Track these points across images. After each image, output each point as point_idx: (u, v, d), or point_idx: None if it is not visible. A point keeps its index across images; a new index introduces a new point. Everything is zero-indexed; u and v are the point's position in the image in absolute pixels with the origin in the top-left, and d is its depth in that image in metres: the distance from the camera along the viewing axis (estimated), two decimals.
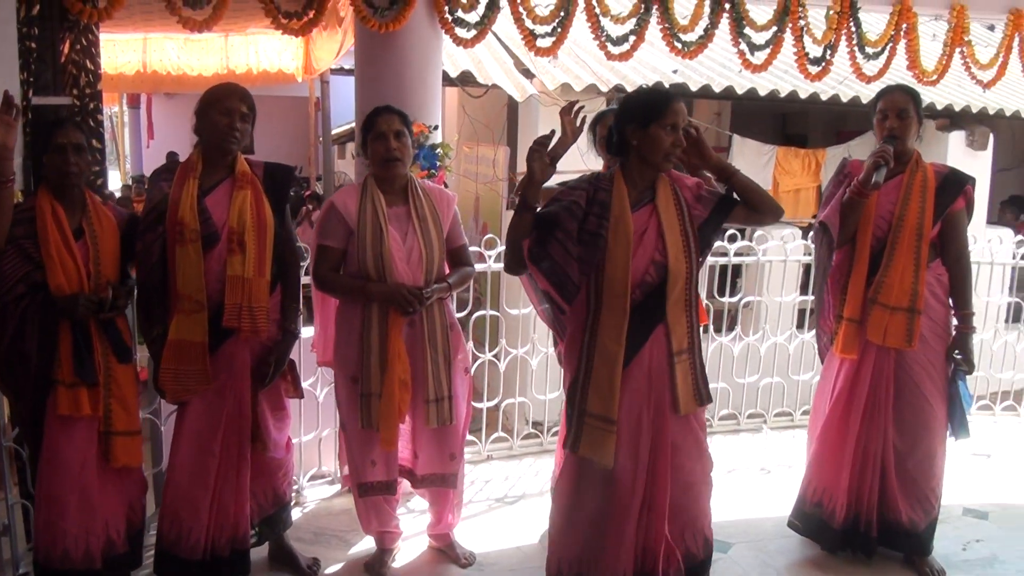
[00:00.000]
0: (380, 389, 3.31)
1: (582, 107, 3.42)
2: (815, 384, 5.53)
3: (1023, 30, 5.07)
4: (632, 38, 4.36)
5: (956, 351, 3.61)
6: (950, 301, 3.64)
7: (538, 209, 2.92)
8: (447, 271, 3.52)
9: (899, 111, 3.50)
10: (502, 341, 4.71)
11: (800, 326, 5.90)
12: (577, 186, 3.01)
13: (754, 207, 2.93)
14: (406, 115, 3.46)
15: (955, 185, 3.59)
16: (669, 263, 2.85)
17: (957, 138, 8.18)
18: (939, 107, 7.92)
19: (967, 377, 3.64)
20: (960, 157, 7.83)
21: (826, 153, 8.93)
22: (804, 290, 5.68)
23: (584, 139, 3.62)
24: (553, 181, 3.53)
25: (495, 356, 4.69)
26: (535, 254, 2.91)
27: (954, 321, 3.65)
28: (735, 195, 2.96)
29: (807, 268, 5.59)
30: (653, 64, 7.37)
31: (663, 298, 2.88)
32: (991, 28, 10.14)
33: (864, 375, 3.60)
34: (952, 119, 8.20)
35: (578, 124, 3.36)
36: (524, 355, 4.82)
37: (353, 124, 6.39)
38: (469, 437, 4.09)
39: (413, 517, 4.02)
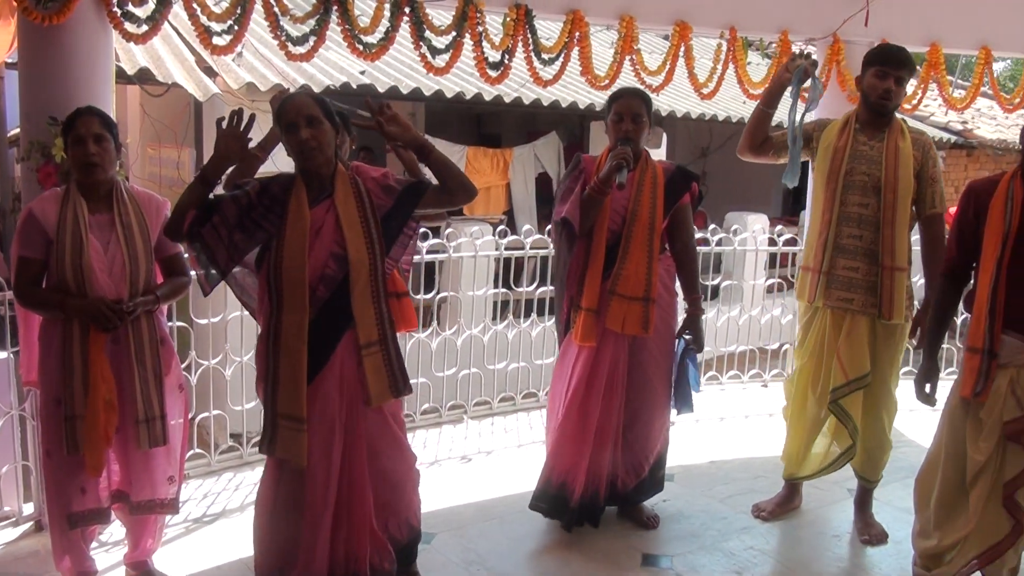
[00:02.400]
0: (84, 411, 3.07)
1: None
2: (511, 372, 5.84)
3: (688, 40, 5.51)
4: (313, 38, 4.30)
5: (687, 332, 3.92)
6: (676, 288, 3.95)
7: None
8: (160, 280, 3.33)
9: (634, 115, 3.74)
10: (192, 353, 4.51)
11: (495, 318, 6.13)
12: (256, 178, 2.99)
13: (447, 186, 2.93)
14: (108, 117, 3.26)
15: (682, 181, 3.90)
16: (349, 255, 2.85)
17: None
18: None
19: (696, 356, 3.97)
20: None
21: (513, 152, 9.34)
22: (497, 283, 5.92)
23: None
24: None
25: (186, 369, 4.47)
26: (191, 231, 2.84)
27: (684, 305, 3.96)
28: (425, 179, 2.99)
29: (499, 262, 5.83)
30: (340, 65, 7.34)
31: (349, 294, 2.87)
32: (666, 38, 11.02)
33: (602, 361, 3.80)
34: None
35: None
36: (217, 366, 4.65)
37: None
38: None
39: (107, 550, 3.75)
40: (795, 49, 5.32)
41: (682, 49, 5.56)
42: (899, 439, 5.04)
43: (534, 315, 5.92)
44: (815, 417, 4.01)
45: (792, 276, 7.03)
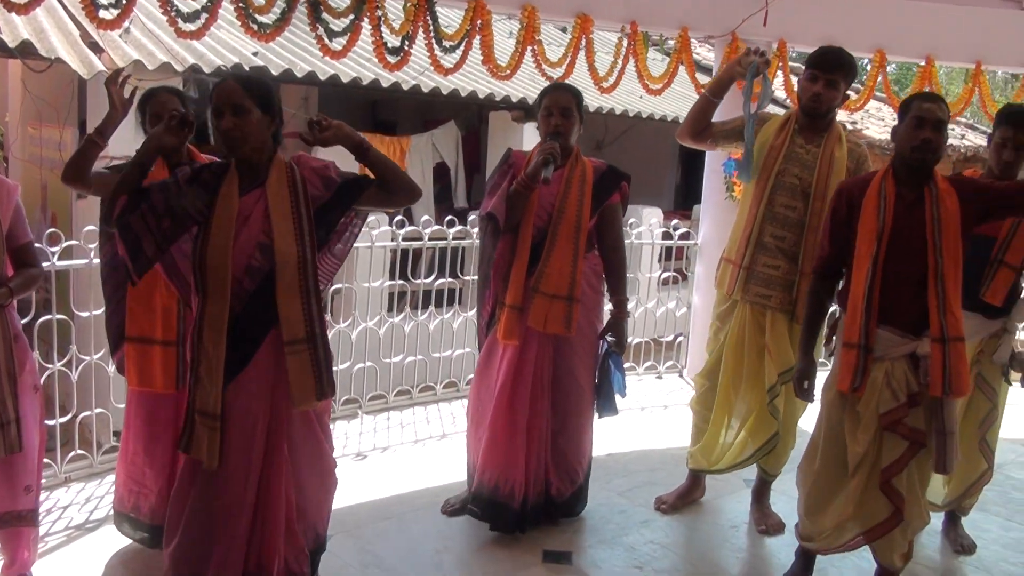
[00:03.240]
0: None
1: (128, 76, 3.16)
2: (407, 365, 5.74)
3: (589, 33, 5.50)
4: (204, 16, 4.11)
5: (609, 334, 3.83)
6: (603, 288, 3.88)
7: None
8: (10, 273, 3.09)
9: (563, 109, 3.66)
10: (72, 348, 4.25)
11: (391, 310, 6.02)
12: (191, 166, 2.88)
13: (388, 187, 2.82)
14: None
15: (612, 180, 3.81)
16: (276, 246, 2.72)
17: (531, 128, 8.81)
18: (515, 100, 8.48)
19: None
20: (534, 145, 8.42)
21: (410, 140, 9.21)
22: (393, 275, 5.80)
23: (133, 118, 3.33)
24: (99, 165, 3.23)
25: (67, 364, 4.23)
26: (120, 219, 2.71)
27: (609, 306, 3.89)
28: (367, 176, 2.89)
29: (395, 253, 5.71)
30: (232, 45, 7.09)
31: (275, 287, 2.74)
32: (564, 30, 11.02)
33: (528, 360, 3.71)
34: (527, 111, 8.83)
35: (127, 96, 3.11)
36: (99, 361, 4.40)
37: None
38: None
39: None
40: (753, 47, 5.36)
41: (583, 42, 5.56)
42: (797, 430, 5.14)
43: (432, 307, 5.83)
44: (739, 412, 4.01)
45: (687, 269, 7.14)
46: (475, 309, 5.06)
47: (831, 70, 3.71)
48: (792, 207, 3.80)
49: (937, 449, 3.11)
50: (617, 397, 3.89)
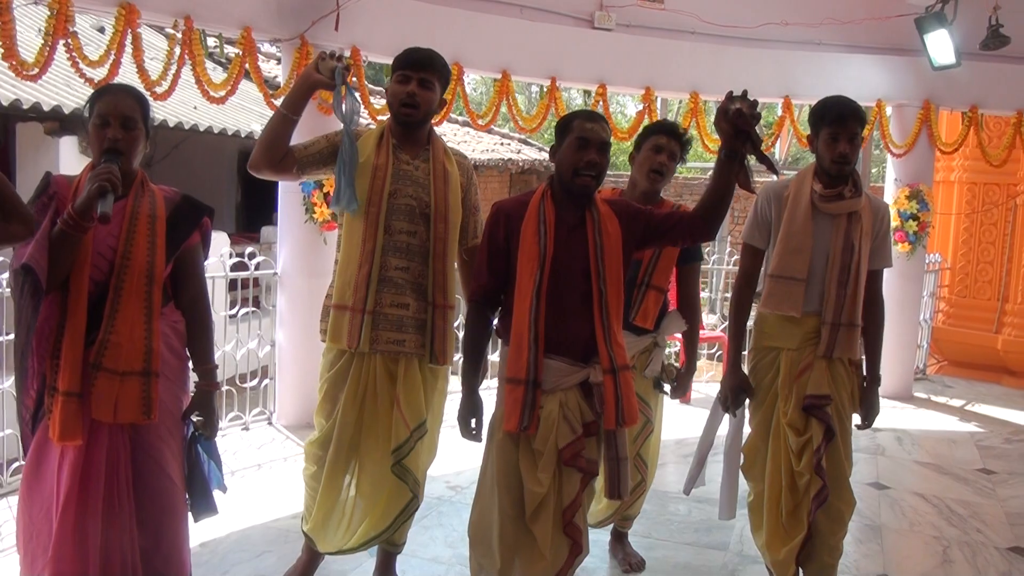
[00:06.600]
0: None
1: None
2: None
3: (135, 27, 4.64)
4: None
5: (196, 413, 2.96)
6: (187, 353, 2.98)
7: None
8: None
9: (123, 118, 2.76)
10: None
11: None
12: None
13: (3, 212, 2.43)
14: None
15: (190, 215, 2.96)
16: None
17: (69, 144, 7.48)
18: (46, 108, 7.02)
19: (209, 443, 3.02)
20: (75, 165, 7.16)
21: None
22: None
23: None
24: None
25: None
26: None
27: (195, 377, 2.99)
28: None
29: None
30: None
31: None
32: (101, 30, 9.68)
33: (97, 462, 2.74)
34: (62, 123, 7.41)
35: None
36: None
37: None
38: None
39: None
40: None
41: (129, 37, 4.67)
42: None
43: None
44: (373, 481, 3.37)
45: (267, 303, 6.40)
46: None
47: (421, 69, 3.27)
48: (412, 232, 3.31)
49: (610, 476, 2.91)
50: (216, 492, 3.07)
